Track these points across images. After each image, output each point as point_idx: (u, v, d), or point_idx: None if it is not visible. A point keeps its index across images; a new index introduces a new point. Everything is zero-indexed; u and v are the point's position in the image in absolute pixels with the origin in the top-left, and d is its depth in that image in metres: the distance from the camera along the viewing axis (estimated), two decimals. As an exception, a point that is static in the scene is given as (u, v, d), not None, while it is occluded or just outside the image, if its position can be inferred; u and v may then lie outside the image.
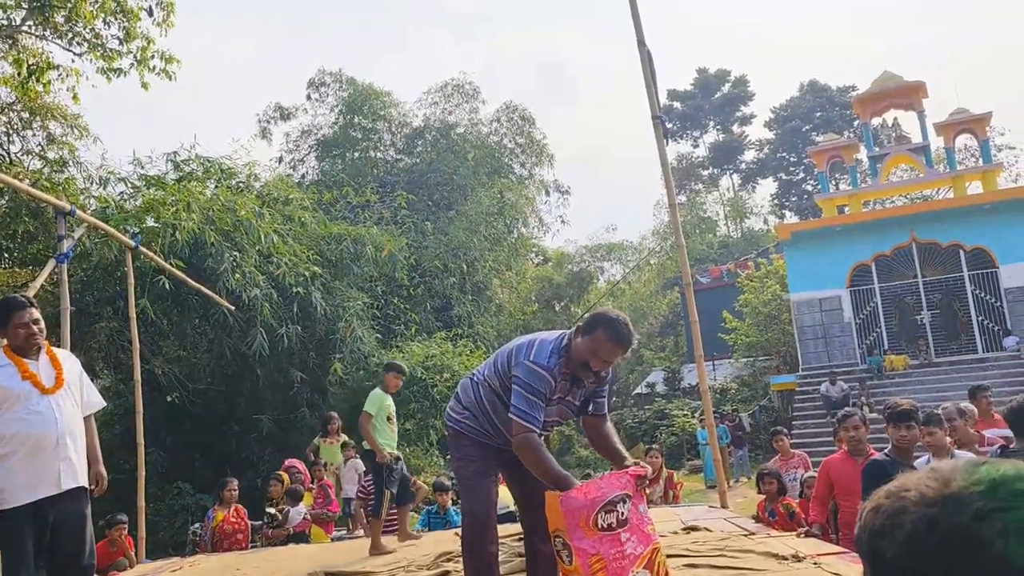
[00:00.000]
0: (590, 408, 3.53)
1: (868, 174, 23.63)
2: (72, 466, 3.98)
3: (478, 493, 3.47)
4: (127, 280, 7.62)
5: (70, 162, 12.26)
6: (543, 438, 3.41)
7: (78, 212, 6.29)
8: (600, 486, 3.18)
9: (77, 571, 3.99)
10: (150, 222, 12.29)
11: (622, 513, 3.13)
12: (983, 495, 0.71)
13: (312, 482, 9.16)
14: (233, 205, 12.96)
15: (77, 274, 11.68)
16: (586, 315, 3.43)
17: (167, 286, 10.98)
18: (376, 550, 6.01)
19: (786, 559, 4.71)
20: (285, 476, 8.82)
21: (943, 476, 0.75)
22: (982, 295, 20.01)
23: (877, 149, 23.47)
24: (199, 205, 12.34)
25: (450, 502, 7.80)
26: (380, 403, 6.66)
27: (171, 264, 9.68)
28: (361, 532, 8.33)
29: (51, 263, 6.06)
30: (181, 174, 14.04)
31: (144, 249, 8.20)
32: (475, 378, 3.59)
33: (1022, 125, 73.09)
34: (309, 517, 8.24)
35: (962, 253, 20.08)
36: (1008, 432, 6.70)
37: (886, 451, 4.72)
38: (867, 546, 0.77)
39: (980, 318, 19.99)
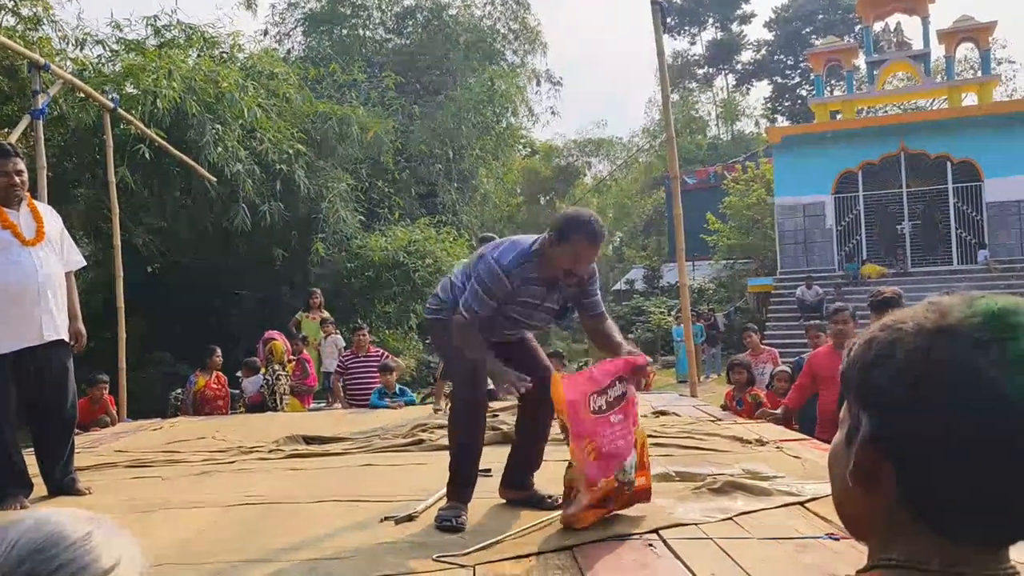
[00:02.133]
0: (587, 311, 3.48)
1: (864, 80, 23.27)
2: (53, 319, 4.00)
3: (468, 383, 3.46)
4: (106, 145, 7.47)
5: (44, 20, 11.76)
6: (513, 340, 3.55)
7: (53, 68, 6.10)
8: (594, 372, 3.26)
9: (59, 421, 4.08)
10: (129, 89, 11.95)
11: (611, 396, 3.20)
12: (981, 326, 0.70)
13: (292, 354, 9.31)
14: (216, 76, 12.59)
15: (54, 139, 11.41)
16: (555, 221, 3.25)
17: (147, 155, 10.78)
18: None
19: (750, 443, 4.92)
20: (278, 345, 8.89)
21: (941, 308, 0.73)
22: (964, 208, 20.14)
23: (876, 55, 23.01)
24: (181, 74, 11.98)
25: (394, 382, 7.95)
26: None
27: (152, 132, 9.47)
28: (339, 405, 8.54)
29: (26, 119, 5.93)
30: (162, 40, 13.55)
31: (123, 112, 8.01)
32: (454, 280, 3.54)
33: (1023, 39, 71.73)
34: (264, 390, 8.41)
35: (949, 165, 20.06)
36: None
37: None
38: (857, 378, 0.75)
39: (959, 231, 20.19)
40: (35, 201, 4.21)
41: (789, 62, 45.81)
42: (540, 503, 3.49)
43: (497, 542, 2.95)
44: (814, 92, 24.45)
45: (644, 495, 3.28)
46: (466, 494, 3.38)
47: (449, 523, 3.17)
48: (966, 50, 25.80)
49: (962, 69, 28.14)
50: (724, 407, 6.92)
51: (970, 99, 22.15)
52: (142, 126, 8.80)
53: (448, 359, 3.85)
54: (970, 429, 0.67)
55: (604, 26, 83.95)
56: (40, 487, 4.03)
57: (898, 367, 0.71)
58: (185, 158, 9.69)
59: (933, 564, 0.71)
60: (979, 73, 23.32)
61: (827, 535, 3.02)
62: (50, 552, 0.81)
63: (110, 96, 8.04)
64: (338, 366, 8.84)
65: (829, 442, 3.26)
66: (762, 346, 9.09)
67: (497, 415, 6.14)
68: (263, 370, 8.59)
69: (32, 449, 4.13)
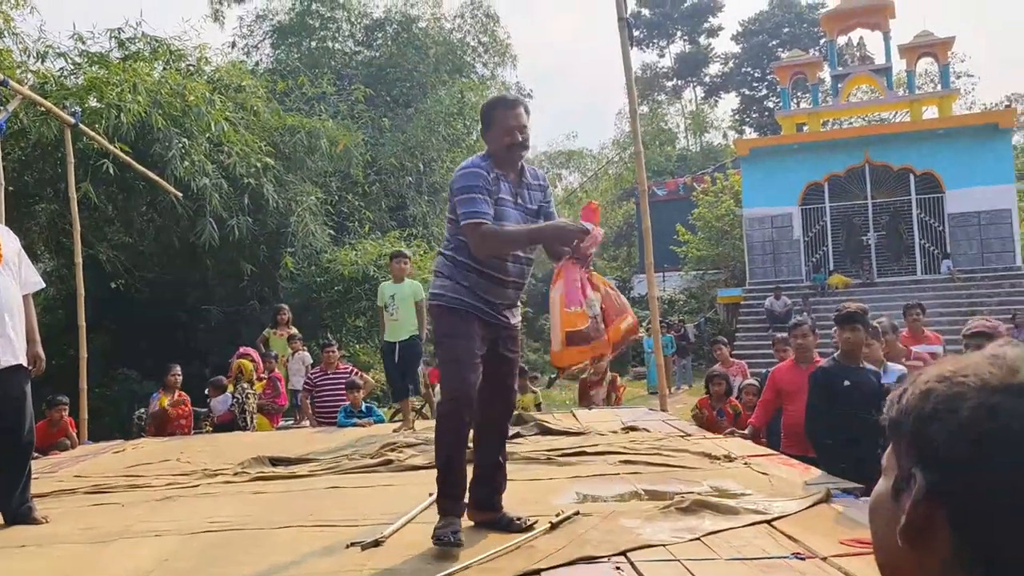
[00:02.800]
0: (548, 219, 3.58)
1: (829, 93, 23.65)
2: (11, 343, 3.91)
3: (457, 374, 3.37)
4: (67, 161, 7.35)
5: (5, 32, 11.56)
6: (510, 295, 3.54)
7: (11, 83, 5.99)
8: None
9: (16, 446, 3.98)
10: (93, 102, 11.76)
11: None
12: None
13: (264, 372, 9.19)
14: (182, 89, 12.46)
15: (15, 153, 11.21)
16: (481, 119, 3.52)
17: (111, 170, 10.62)
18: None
19: (718, 459, 4.93)
20: (246, 364, 8.78)
21: (1008, 364, 0.70)
22: (927, 219, 20.51)
23: (840, 68, 23.43)
24: (146, 87, 11.83)
25: (361, 399, 7.89)
26: (379, 293, 7.46)
27: (116, 147, 9.34)
28: (307, 423, 8.45)
29: (-15, 136, 5.80)
30: (126, 53, 13.38)
31: (84, 127, 7.89)
32: (443, 250, 3.59)
33: (981, 53, 73.46)
34: (235, 408, 8.30)
35: (912, 177, 20.44)
36: (935, 348, 7.00)
37: (834, 356, 4.86)
38: (912, 431, 0.72)
39: (923, 241, 20.55)
40: (-9, 224, 4.12)
41: (756, 75, 46.41)
42: (508, 525, 3.45)
43: (464, 567, 2.92)
44: (781, 105, 24.80)
45: (632, 332, 3.72)
46: (458, 507, 3.34)
47: (446, 539, 3.11)
48: (926, 64, 26.33)
49: (923, 83, 28.72)
50: (697, 415, 6.96)
51: (931, 112, 22.61)
52: (104, 141, 8.67)
53: (436, 349, 3.75)
54: None
55: (575, 39, 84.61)
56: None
57: (960, 423, 0.68)
58: (150, 173, 9.57)
59: None
60: (939, 87, 23.82)
61: (793, 555, 3.04)
62: None
63: (71, 111, 7.91)
64: (306, 383, 8.74)
65: (795, 455, 3.29)
66: (731, 359, 9.16)
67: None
68: (231, 388, 8.47)
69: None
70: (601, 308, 3.46)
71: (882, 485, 0.77)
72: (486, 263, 3.38)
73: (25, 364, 4.04)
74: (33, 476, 4.20)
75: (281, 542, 3.31)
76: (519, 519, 3.46)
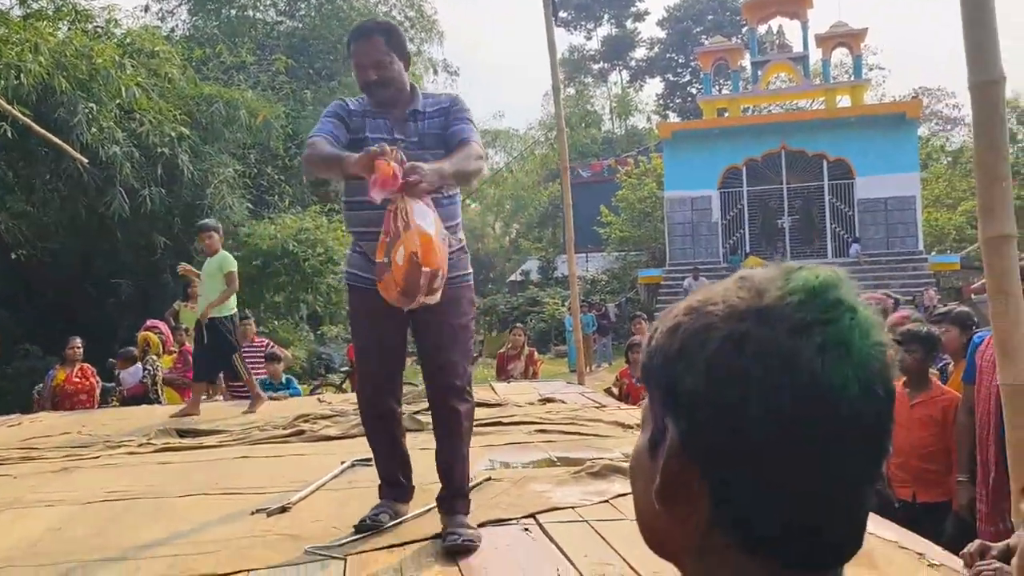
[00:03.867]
0: (448, 143, 2.99)
1: (749, 80, 24.22)
2: None
3: (366, 352, 3.15)
4: (-39, 120, 6.94)
5: None
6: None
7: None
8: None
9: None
10: (-10, 62, 11.13)
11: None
12: (801, 306, 0.59)
13: (174, 345, 8.91)
14: (89, 52, 11.89)
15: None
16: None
17: (10, 134, 10.07)
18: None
19: (631, 427, 5.02)
20: (152, 336, 8.49)
21: (756, 285, 0.61)
22: (838, 204, 21.29)
23: (760, 56, 24.01)
24: (49, 48, 11.24)
25: (281, 372, 7.76)
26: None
27: (15, 110, 8.85)
28: (220, 397, 8.24)
29: None
30: (28, 11, 12.69)
31: (-20, 86, 7.44)
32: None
33: (894, 48, 76.47)
34: (147, 380, 8.05)
35: (825, 163, 21.16)
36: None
37: None
38: (660, 374, 0.62)
39: (834, 226, 21.34)
40: None
41: (680, 60, 47.11)
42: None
43: (372, 533, 2.89)
44: (703, 90, 25.27)
45: (421, 263, 2.63)
46: (391, 492, 3.12)
47: (364, 522, 2.93)
48: (842, 55, 27.22)
49: (837, 73, 29.65)
50: (612, 390, 7.08)
51: (844, 102, 23.40)
52: (3, 102, 8.20)
53: (351, 331, 3.51)
54: (792, 433, 0.57)
55: (503, 18, 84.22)
56: None
57: (708, 361, 0.59)
58: (53, 138, 9.10)
59: None
60: (852, 77, 24.65)
61: (697, 514, 3.11)
62: None
63: (-35, 68, 7.45)
64: (220, 357, 8.50)
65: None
66: (649, 335, 9.33)
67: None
68: (139, 360, 8.18)
69: None
70: (434, 223, 2.73)
71: (639, 440, 0.67)
72: (353, 219, 3.06)
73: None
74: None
75: (183, 510, 3.22)
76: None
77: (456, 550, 2.68)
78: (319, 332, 18.11)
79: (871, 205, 20.75)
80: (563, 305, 21.65)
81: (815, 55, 24.22)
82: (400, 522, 3.04)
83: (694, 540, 0.62)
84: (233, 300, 6.51)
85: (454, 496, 2.93)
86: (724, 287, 0.63)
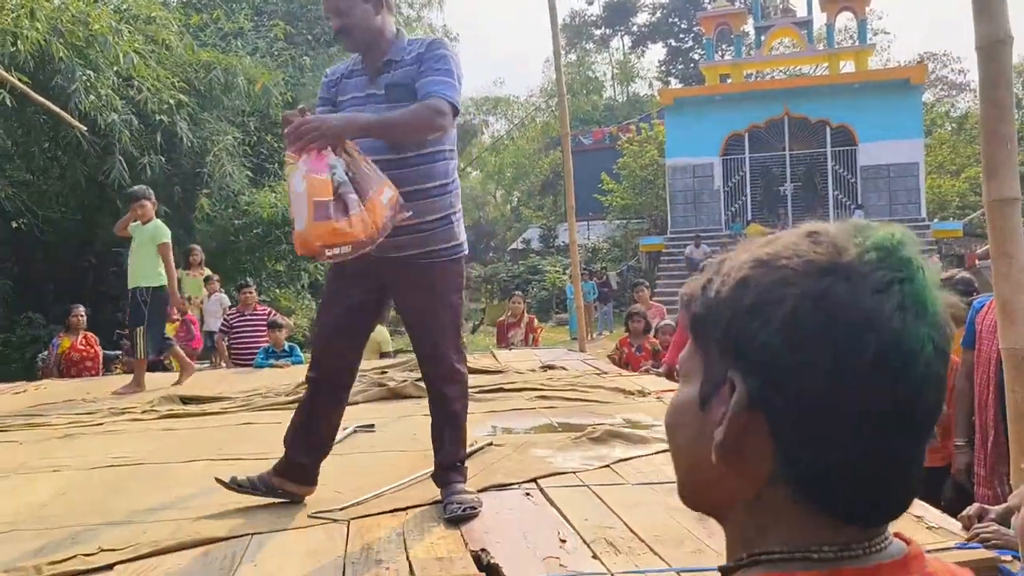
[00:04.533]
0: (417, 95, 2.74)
1: (752, 46, 23.96)
2: None
3: (319, 325, 3.08)
4: (-43, 88, 6.88)
5: None
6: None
7: None
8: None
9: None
10: (-14, 29, 11.01)
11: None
12: (880, 263, 0.58)
13: (176, 314, 8.92)
14: (86, 18, 11.74)
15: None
16: None
17: (8, 101, 10.01)
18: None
19: (632, 394, 5.05)
20: None
21: (833, 240, 0.60)
22: (841, 171, 21.18)
23: (763, 20, 23.73)
24: (45, 13, 11.10)
25: (283, 340, 7.76)
26: None
27: (13, 77, 8.77)
28: (224, 365, 8.28)
29: None
30: (23, -24, 12.51)
31: (-25, 52, 7.37)
32: None
33: (900, 12, 75.51)
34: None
35: (828, 129, 21.01)
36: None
37: None
38: (726, 328, 0.61)
39: (836, 192, 21.25)
40: None
41: (683, 26, 46.57)
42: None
43: (374, 497, 2.92)
44: (705, 55, 25.01)
45: (397, 206, 2.62)
46: (283, 466, 2.90)
47: (230, 481, 2.87)
48: (846, 20, 26.88)
49: (842, 38, 29.33)
50: (613, 357, 7.11)
51: (848, 67, 23.16)
52: (0, 70, 8.13)
53: None
54: (869, 390, 0.57)
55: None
56: None
57: (787, 317, 0.58)
58: (51, 105, 9.02)
59: (825, 550, 0.60)
60: (856, 42, 24.38)
61: (697, 478, 3.14)
62: None
63: (-40, 35, 7.38)
64: (222, 325, 8.55)
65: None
66: (651, 302, 9.33)
67: (386, 372, 6.09)
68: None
69: None
70: (349, 177, 2.55)
71: (683, 394, 0.66)
72: None
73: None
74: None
75: (186, 476, 3.25)
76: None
77: (457, 519, 2.64)
78: (320, 300, 18.13)
79: (874, 172, 20.64)
80: (564, 273, 21.65)
81: (819, 20, 23.97)
82: (401, 486, 3.06)
83: (750, 493, 0.62)
84: (161, 271, 6.14)
85: (447, 470, 2.86)
86: (790, 241, 0.62)
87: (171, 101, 12.69)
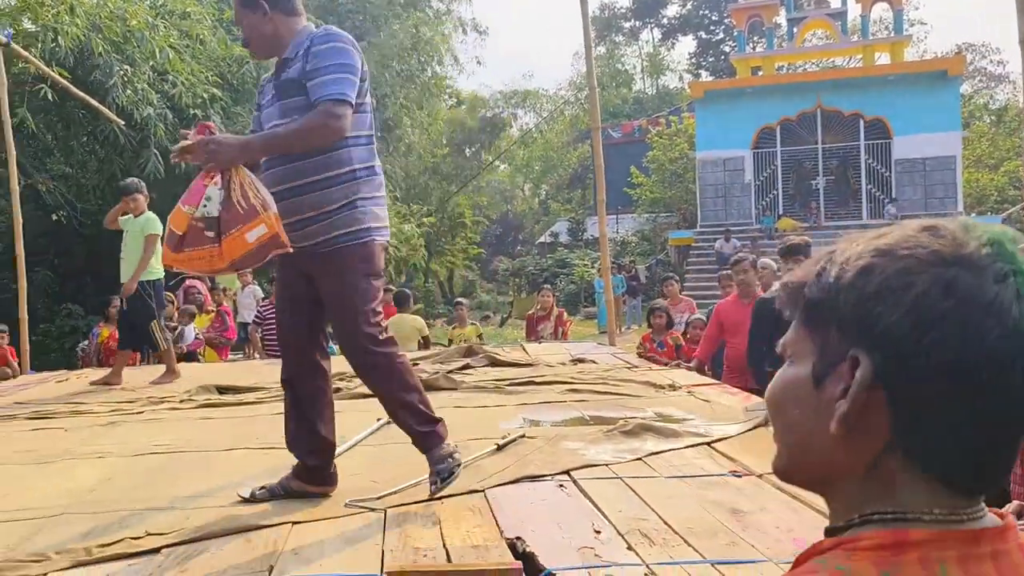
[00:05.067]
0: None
1: (784, 38, 23.68)
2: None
3: (276, 324, 3.15)
4: (0, 83, 7.04)
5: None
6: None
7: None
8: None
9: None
10: (27, 24, 11.23)
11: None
12: (997, 256, 0.64)
13: (211, 305, 9.08)
14: (123, 13, 11.93)
15: (-58, 77, 10.70)
16: None
17: (49, 96, 10.20)
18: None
19: (663, 388, 5.05)
20: (173, 296, 8.67)
21: (952, 234, 0.66)
22: (875, 164, 20.87)
23: (796, 12, 23.43)
24: (84, 9, 11.30)
25: None
26: None
27: (54, 71, 8.96)
28: (257, 356, 8.40)
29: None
30: (62, -27, 12.73)
31: (17, 47, 7.54)
32: None
33: (936, 1, 74.11)
34: (202, 338, 8.23)
35: (862, 122, 20.71)
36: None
37: (776, 288, 4.98)
38: (854, 311, 0.66)
39: (870, 186, 20.95)
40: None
41: (714, 17, 46.12)
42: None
43: (409, 486, 2.96)
44: (736, 48, 24.78)
45: (271, 244, 2.65)
46: (298, 469, 2.95)
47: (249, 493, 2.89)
48: (881, 10, 26.45)
49: (877, 29, 28.87)
50: (639, 352, 7.09)
51: (883, 59, 22.81)
52: (41, 64, 8.31)
53: None
54: (988, 370, 0.62)
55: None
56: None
57: (914, 301, 0.63)
58: (90, 100, 9.21)
59: (935, 513, 0.65)
60: (892, 33, 23.99)
61: (731, 472, 3.15)
62: None
63: (3, 31, 7.54)
64: (256, 316, 8.67)
65: (739, 386, 3.31)
66: (680, 296, 9.29)
67: (417, 363, 6.15)
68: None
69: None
70: (219, 211, 2.65)
71: (794, 372, 0.71)
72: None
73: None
74: (-29, 402, 4.13)
75: (227, 463, 3.32)
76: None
77: (440, 490, 2.81)
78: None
79: (909, 165, 20.32)
80: (592, 267, 21.61)
81: (854, 10, 23.58)
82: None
83: (862, 467, 0.67)
84: (157, 264, 6.00)
85: (420, 440, 2.90)
86: (907, 234, 0.67)
87: (205, 95, 12.85)
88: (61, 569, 2.22)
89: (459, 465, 2.89)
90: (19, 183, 7.82)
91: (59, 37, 10.58)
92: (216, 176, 2.67)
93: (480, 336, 8.96)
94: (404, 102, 21.76)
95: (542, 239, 30.83)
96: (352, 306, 2.81)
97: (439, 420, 2.95)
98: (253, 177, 2.69)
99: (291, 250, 2.67)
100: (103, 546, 2.35)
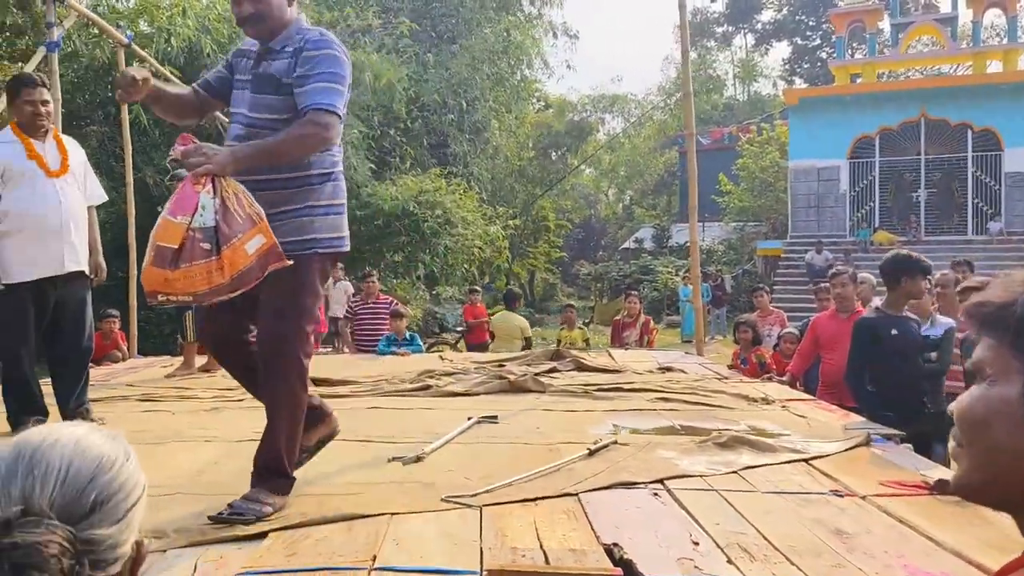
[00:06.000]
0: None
1: (887, 44, 22.87)
2: (75, 250, 4.03)
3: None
4: (121, 81, 7.42)
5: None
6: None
7: (69, 0, 6.03)
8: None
9: (76, 352, 4.13)
10: (143, 26, 11.84)
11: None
12: None
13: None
14: (230, 15, 12.46)
15: (67, 76, 11.34)
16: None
17: (160, 94, 10.72)
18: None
19: (756, 401, 4.94)
20: None
21: None
22: (983, 177, 19.92)
23: (901, 17, 22.59)
24: (195, 12, 11.86)
25: (404, 329, 7.97)
26: None
27: (166, 70, 9.40)
28: (347, 350, 8.61)
29: (41, 51, 5.89)
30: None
31: (137, 48, 7.94)
32: None
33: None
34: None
35: (970, 133, 19.81)
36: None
37: (877, 305, 4.81)
38: None
39: (976, 200, 20.01)
40: (60, 133, 4.22)
41: (810, 23, 44.92)
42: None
43: (504, 485, 2.98)
44: (834, 54, 24.05)
45: (271, 257, 2.57)
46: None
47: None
48: (994, 16, 25.27)
49: (988, 36, 27.59)
50: (731, 367, 6.95)
51: (995, 67, 21.76)
52: (156, 64, 8.72)
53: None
54: None
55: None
56: (55, 415, 4.09)
57: None
58: (198, 98, 9.61)
59: None
60: (1005, 40, 22.87)
61: (831, 491, 3.05)
62: (102, 479, 0.82)
63: (126, 33, 7.96)
64: (347, 312, 8.89)
65: (834, 402, 3.22)
66: (771, 307, 9.08)
67: (503, 365, 6.19)
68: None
69: (49, 378, 4.18)
70: (216, 221, 2.51)
71: (999, 391, 0.72)
72: None
73: (87, 272, 4.17)
74: (89, 383, 4.36)
75: (325, 453, 3.40)
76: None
77: (217, 519, 2.49)
78: (434, 292, 18.55)
79: (1020, 179, 19.31)
80: (676, 274, 21.32)
81: (964, 16, 22.62)
82: (530, 476, 3.10)
83: None
84: None
85: (256, 471, 2.71)
86: None
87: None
88: (179, 547, 2.33)
89: (261, 520, 2.52)
90: (132, 175, 8.22)
91: (171, 38, 11.12)
92: (207, 183, 2.54)
93: (587, 340, 9.32)
94: (493, 105, 21.97)
95: (626, 245, 30.61)
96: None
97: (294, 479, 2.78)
98: (242, 186, 2.61)
99: (290, 263, 2.57)
100: (216, 527, 2.46)
